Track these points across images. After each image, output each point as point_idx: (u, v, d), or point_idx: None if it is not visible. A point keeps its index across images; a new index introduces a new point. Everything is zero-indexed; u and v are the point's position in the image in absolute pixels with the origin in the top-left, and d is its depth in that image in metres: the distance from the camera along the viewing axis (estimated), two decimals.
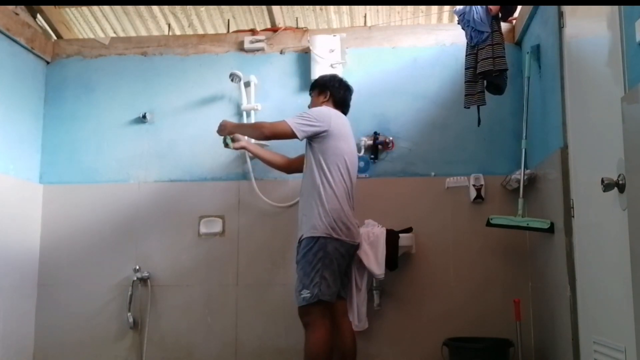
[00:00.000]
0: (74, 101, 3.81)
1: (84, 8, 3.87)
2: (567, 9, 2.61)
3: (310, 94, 3.19)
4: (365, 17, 3.87)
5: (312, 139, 2.89)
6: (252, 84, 3.66)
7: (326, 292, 2.70)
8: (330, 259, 2.73)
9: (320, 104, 3.06)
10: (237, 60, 3.73)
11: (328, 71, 3.55)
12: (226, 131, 3.14)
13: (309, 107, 3.14)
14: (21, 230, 3.50)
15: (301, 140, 2.91)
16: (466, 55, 3.08)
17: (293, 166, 3.28)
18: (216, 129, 3.16)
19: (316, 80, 3.20)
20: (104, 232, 3.62)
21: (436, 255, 3.42)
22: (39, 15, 3.79)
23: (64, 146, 3.77)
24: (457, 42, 3.47)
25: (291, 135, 2.86)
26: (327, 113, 2.94)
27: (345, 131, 2.96)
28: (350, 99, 3.18)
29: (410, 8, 3.77)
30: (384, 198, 3.50)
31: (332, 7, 3.84)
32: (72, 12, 3.93)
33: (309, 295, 2.68)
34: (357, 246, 2.95)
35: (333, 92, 3.09)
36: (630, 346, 1.78)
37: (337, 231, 2.76)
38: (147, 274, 3.53)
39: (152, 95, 3.77)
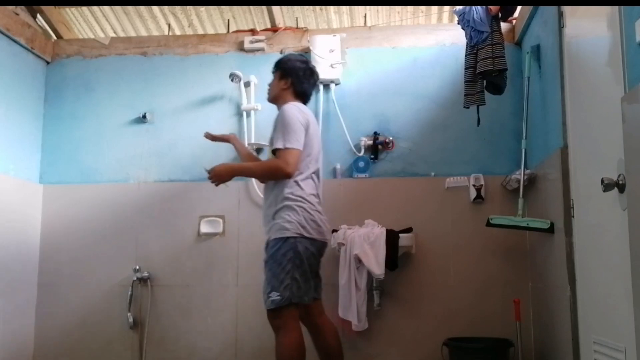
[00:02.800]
0: (74, 101, 3.81)
1: (84, 8, 3.87)
2: (567, 9, 2.61)
3: (272, 72, 2.95)
4: (365, 17, 3.87)
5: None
6: (252, 84, 3.66)
7: (297, 293, 2.59)
8: (301, 259, 2.60)
9: (279, 90, 2.87)
10: (237, 60, 3.73)
11: (328, 71, 3.55)
12: (224, 180, 2.82)
13: (269, 85, 2.96)
14: (21, 230, 3.50)
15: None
16: (466, 55, 3.09)
17: None
18: (208, 176, 2.81)
19: (282, 61, 2.93)
20: (104, 232, 3.62)
21: (436, 255, 3.42)
22: (39, 15, 3.79)
23: (64, 146, 3.77)
24: (457, 42, 3.47)
25: (300, 155, 2.66)
26: (301, 112, 2.74)
27: (314, 127, 2.80)
28: (312, 91, 2.98)
29: (410, 8, 3.77)
30: (384, 198, 3.49)
31: (332, 7, 3.84)
32: (72, 12, 3.93)
33: (279, 297, 2.56)
34: (326, 244, 2.81)
35: (295, 81, 2.86)
36: (630, 346, 1.78)
37: (307, 230, 2.63)
38: (147, 274, 3.53)
39: (152, 95, 3.77)
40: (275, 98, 2.92)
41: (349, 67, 3.65)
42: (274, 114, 3.63)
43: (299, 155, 2.67)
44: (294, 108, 2.75)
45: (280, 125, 2.69)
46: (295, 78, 2.86)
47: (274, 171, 2.69)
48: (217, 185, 2.84)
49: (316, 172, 2.77)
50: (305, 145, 2.70)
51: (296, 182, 2.67)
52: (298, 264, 2.60)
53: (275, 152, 2.69)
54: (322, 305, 2.89)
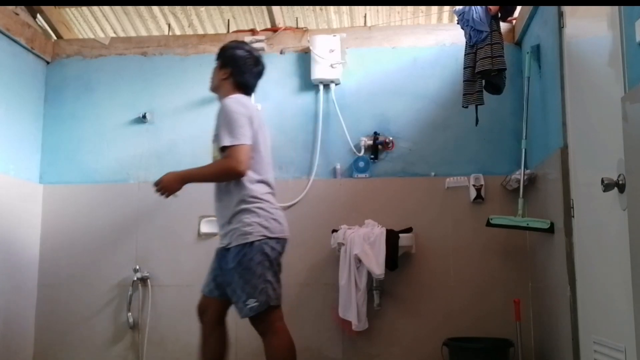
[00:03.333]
0: (74, 101, 3.81)
1: (84, 8, 3.86)
2: (567, 9, 2.61)
3: (216, 60, 2.75)
4: (365, 17, 3.87)
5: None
6: None
7: (274, 295, 2.47)
8: (270, 260, 2.47)
9: (219, 81, 2.68)
10: None
11: (328, 72, 3.55)
12: (175, 190, 2.59)
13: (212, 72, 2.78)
14: (21, 230, 3.50)
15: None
16: (465, 55, 3.09)
17: None
18: (156, 189, 2.58)
19: (226, 49, 2.71)
20: (104, 232, 3.62)
21: (436, 256, 3.42)
22: (39, 15, 3.79)
23: (64, 146, 3.77)
24: (457, 42, 3.46)
25: (248, 148, 2.47)
26: (243, 105, 2.54)
27: (259, 121, 2.58)
28: (256, 84, 2.73)
29: (410, 8, 3.77)
30: (384, 198, 3.49)
31: (332, 7, 3.84)
32: (72, 12, 3.93)
33: (257, 304, 2.42)
34: (287, 240, 2.62)
35: (234, 71, 2.64)
36: (630, 346, 1.78)
37: (270, 229, 2.49)
38: (147, 274, 3.53)
39: (152, 95, 3.77)
40: (215, 89, 2.73)
41: (349, 67, 3.65)
42: (274, 114, 3.66)
43: (250, 151, 2.47)
44: (234, 101, 2.54)
45: (224, 122, 2.48)
46: (235, 68, 2.64)
47: (226, 171, 2.49)
48: (166, 197, 2.58)
49: (269, 170, 2.60)
50: (253, 142, 2.51)
51: (248, 181, 2.50)
52: (268, 266, 2.47)
53: (223, 150, 2.49)
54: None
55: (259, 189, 2.52)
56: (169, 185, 2.56)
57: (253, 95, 3.61)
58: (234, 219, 2.50)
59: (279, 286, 2.52)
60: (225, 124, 2.48)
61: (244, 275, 2.45)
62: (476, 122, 3.13)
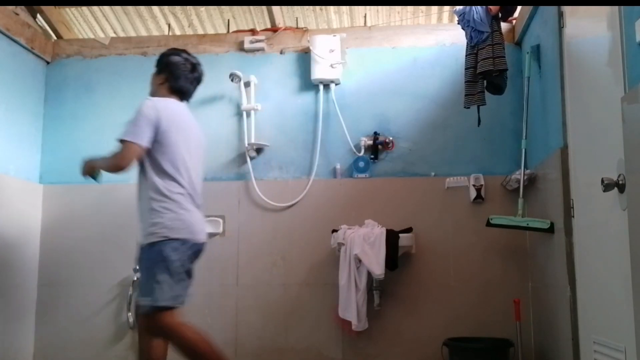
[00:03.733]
0: (74, 101, 3.81)
1: (84, 8, 3.86)
2: (567, 9, 2.61)
3: (155, 66, 2.82)
4: (365, 17, 3.87)
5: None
6: (252, 84, 3.66)
7: (162, 297, 2.45)
8: (168, 262, 2.47)
9: (156, 86, 2.75)
10: (237, 60, 3.73)
11: (328, 72, 3.55)
12: (87, 173, 2.76)
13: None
14: (21, 230, 3.50)
15: (150, 146, 2.55)
16: (466, 55, 3.08)
17: None
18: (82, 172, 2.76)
19: (163, 56, 2.79)
20: (104, 232, 3.62)
21: (436, 256, 3.42)
22: (39, 15, 3.78)
23: (64, 146, 3.76)
24: (457, 42, 3.46)
25: (140, 150, 2.52)
26: (154, 109, 2.58)
27: (180, 126, 2.63)
28: (193, 89, 2.80)
29: (410, 8, 3.77)
30: (384, 198, 3.50)
31: (332, 7, 3.84)
32: (72, 12, 3.93)
33: (149, 303, 2.45)
34: (202, 246, 2.65)
35: (169, 77, 2.71)
36: (630, 346, 1.78)
37: (174, 231, 2.50)
38: None
39: None
40: (153, 93, 2.76)
41: (349, 67, 3.65)
42: (274, 114, 3.67)
43: (137, 150, 2.52)
44: (149, 104, 2.60)
45: (130, 118, 2.58)
46: (170, 74, 2.72)
47: (111, 163, 2.59)
48: (85, 178, 2.77)
49: (184, 171, 2.59)
50: (160, 143, 2.54)
51: (158, 181, 2.54)
52: (165, 268, 2.47)
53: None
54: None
55: (168, 188, 2.54)
56: (83, 169, 2.76)
57: (253, 95, 3.66)
58: (143, 217, 2.56)
59: (180, 288, 2.51)
60: (130, 121, 2.57)
61: (143, 274, 2.56)
62: (478, 122, 3.13)
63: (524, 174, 3.13)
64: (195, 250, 2.61)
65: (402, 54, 3.65)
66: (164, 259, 2.47)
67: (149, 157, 2.57)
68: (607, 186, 1.83)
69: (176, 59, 2.74)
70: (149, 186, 2.55)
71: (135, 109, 2.59)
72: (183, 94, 2.76)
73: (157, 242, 2.49)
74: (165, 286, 2.47)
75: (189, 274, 2.59)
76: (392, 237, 3.20)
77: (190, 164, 2.65)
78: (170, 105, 2.66)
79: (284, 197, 3.55)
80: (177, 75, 2.72)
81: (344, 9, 3.86)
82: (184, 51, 2.82)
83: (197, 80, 2.82)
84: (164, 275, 2.47)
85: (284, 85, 3.71)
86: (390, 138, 3.54)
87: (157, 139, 2.56)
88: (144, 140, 2.53)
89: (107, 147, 3.71)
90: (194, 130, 2.74)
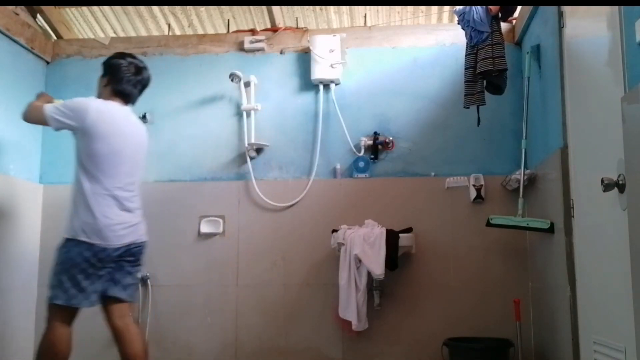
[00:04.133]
0: None
1: (84, 8, 3.86)
2: (567, 9, 2.61)
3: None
4: (365, 17, 3.87)
5: (74, 132, 2.65)
6: (252, 84, 3.66)
7: (60, 296, 2.54)
8: (70, 264, 2.53)
9: (101, 88, 2.77)
10: (237, 60, 3.73)
11: (328, 72, 3.55)
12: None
13: None
14: (21, 230, 3.50)
15: (56, 130, 2.66)
16: (466, 55, 3.09)
17: None
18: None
19: (108, 58, 2.83)
20: None
21: (436, 256, 3.42)
22: (39, 15, 3.78)
23: (64, 146, 3.75)
24: (457, 42, 3.47)
25: (45, 123, 2.64)
26: (85, 107, 2.61)
27: (111, 129, 2.64)
28: (138, 93, 2.82)
29: (410, 8, 3.77)
30: (384, 198, 3.50)
31: (332, 7, 3.84)
32: (72, 12, 3.93)
33: (50, 296, 2.60)
34: (122, 249, 2.63)
35: (111, 80, 2.74)
36: (630, 346, 1.78)
37: (84, 232, 2.53)
38: (147, 274, 3.52)
39: (152, 95, 3.73)
40: (98, 95, 2.79)
41: (349, 67, 3.65)
42: (274, 114, 3.67)
43: (41, 121, 2.65)
44: (85, 101, 2.66)
45: (67, 101, 2.69)
46: (112, 76, 2.75)
47: (27, 108, 2.75)
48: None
49: (114, 174, 2.63)
50: (91, 148, 2.59)
51: (84, 180, 2.59)
52: (67, 267, 2.54)
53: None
54: (126, 309, 2.75)
55: (90, 188, 2.58)
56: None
57: (253, 95, 3.66)
58: (69, 213, 2.63)
59: (78, 291, 2.56)
60: (65, 102, 2.68)
61: (53, 266, 2.64)
62: (478, 122, 3.13)
63: (524, 174, 3.13)
64: (106, 254, 2.58)
65: (402, 54, 3.65)
66: (68, 259, 2.55)
67: (78, 156, 2.63)
68: (607, 186, 1.83)
69: (119, 62, 2.77)
70: (76, 183, 2.62)
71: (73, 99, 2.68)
72: (126, 97, 2.78)
73: (68, 240, 2.57)
74: (64, 285, 2.55)
75: (99, 277, 2.61)
76: (392, 237, 3.20)
77: (124, 167, 2.67)
78: (107, 108, 2.69)
79: (284, 197, 3.55)
80: (119, 78, 2.74)
81: (344, 9, 3.86)
82: (130, 55, 2.85)
83: (142, 84, 2.83)
84: (64, 275, 2.56)
85: (284, 85, 3.71)
86: (390, 138, 3.54)
87: (83, 139, 2.61)
88: (54, 122, 2.62)
89: None
90: (134, 135, 2.77)
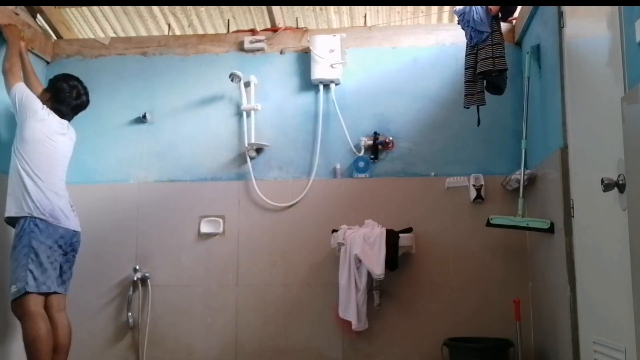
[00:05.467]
0: None
1: (84, 8, 3.86)
2: (567, 9, 2.61)
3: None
4: (365, 17, 3.87)
5: (20, 118, 3.04)
6: (252, 84, 3.66)
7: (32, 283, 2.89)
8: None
9: (43, 101, 3.16)
10: (237, 60, 3.73)
11: (328, 72, 3.55)
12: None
13: None
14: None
15: (10, 97, 3.08)
16: (466, 55, 3.09)
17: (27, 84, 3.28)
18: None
19: (55, 77, 3.28)
20: (104, 232, 3.62)
21: (436, 256, 3.42)
22: (39, 15, 3.78)
23: None
24: (457, 42, 3.47)
25: (9, 87, 3.08)
26: (41, 106, 3.10)
27: (56, 132, 3.12)
28: (73, 114, 3.28)
29: (410, 8, 3.77)
30: (384, 198, 3.50)
31: (332, 7, 3.84)
32: (72, 12, 3.93)
33: (14, 289, 2.87)
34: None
35: (53, 99, 3.18)
36: (630, 346, 1.79)
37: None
38: (147, 274, 3.53)
39: (152, 95, 3.77)
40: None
41: (349, 67, 3.65)
42: (274, 114, 3.67)
43: (10, 85, 3.09)
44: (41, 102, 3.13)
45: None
46: (54, 96, 3.18)
47: (5, 58, 3.17)
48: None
49: (44, 168, 3.04)
50: (27, 130, 3.03)
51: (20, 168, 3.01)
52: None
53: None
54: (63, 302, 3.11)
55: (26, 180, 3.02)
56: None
57: (253, 95, 3.66)
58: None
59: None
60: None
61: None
62: (478, 122, 3.13)
63: (524, 174, 3.13)
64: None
65: (402, 54, 3.65)
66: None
67: (19, 138, 3.06)
68: (607, 186, 1.83)
69: (63, 85, 3.21)
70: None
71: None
72: (62, 115, 3.20)
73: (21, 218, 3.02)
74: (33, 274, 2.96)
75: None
76: (392, 237, 3.20)
77: (57, 173, 3.13)
78: (49, 118, 3.12)
79: (284, 197, 3.55)
80: (59, 99, 3.18)
81: (344, 9, 3.86)
82: (76, 78, 3.27)
83: (79, 107, 3.28)
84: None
85: (284, 85, 3.71)
86: (390, 138, 3.54)
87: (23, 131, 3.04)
88: (16, 93, 3.05)
89: (107, 147, 3.75)
90: (62, 140, 3.19)
